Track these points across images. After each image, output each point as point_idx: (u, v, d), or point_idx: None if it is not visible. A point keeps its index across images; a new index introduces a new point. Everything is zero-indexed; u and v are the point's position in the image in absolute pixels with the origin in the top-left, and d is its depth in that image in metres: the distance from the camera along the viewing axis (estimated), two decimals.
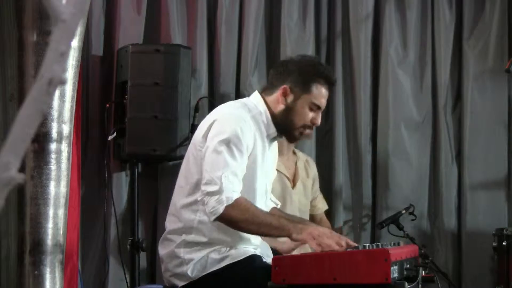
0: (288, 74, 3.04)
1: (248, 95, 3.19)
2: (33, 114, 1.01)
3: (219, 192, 2.77)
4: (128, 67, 4.05)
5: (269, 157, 3.09)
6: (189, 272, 2.90)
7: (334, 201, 4.47)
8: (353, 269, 2.50)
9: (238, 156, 2.85)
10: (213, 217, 2.78)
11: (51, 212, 2.85)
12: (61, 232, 2.88)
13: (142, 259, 4.21)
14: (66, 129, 2.88)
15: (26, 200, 2.84)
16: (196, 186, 2.92)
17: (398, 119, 4.54)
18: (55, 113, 2.84)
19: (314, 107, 3.03)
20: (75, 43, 2.89)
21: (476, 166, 4.51)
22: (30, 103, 1.01)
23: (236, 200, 2.78)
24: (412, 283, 2.63)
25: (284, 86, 3.02)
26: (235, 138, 2.85)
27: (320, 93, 3.04)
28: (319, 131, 4.52)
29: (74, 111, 2.94)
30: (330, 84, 3.08)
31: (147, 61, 4.04)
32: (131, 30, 4.32)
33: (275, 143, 3.17)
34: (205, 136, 2.92)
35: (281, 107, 3.03)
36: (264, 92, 3.09)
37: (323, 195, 4.24)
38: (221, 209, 2.75)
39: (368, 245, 2.73)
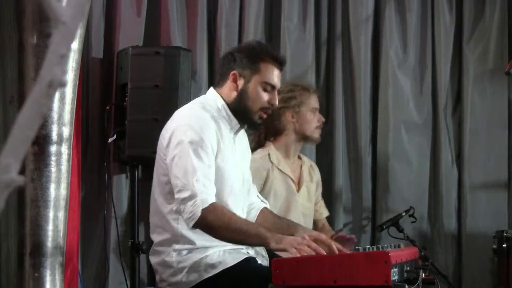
0: (235, 59, 3.00)
1: None
2: (33, 116, 1.01)
3: (193, 196, 2.72)
4: (128, 69, 4.04)
5: (239, 150, 3.06)
6: (184, 280, 2.88)
7: (334, 203, 4.47)
8: (353, 271, 2.50)
9: (205, 157, 2.81)
10: (192, 223, 2.74)
11: (51, 214, 2.84)
12: (61, 235, 2.87)
13: (143, 261, 4.21)
14: (66, 131, 2.87)
15: (26, 202, 2.83)
16: (171, 196, 2.89)
17: (398, 121, 4.53)
18: (55, 115, 2.83)
19: (268, 87, 2.98)
20: (75, 45, 2.88)
21: (476, 168, 4.51)
22: (30, 105, 1.01)
23: (212, 204, 2.74)
24: (412, 285, 2.63)
25: (233, 71, 2.98)
26: (198, 140, 2.82)
27: (270, 71, 2.98)
28: None
29: (74, 113, 2.94)
30: (278, 62, 3.02)
31: (147, 63, 4.03)
32: (131, 32, 4.32)
33: (243, 133, 3.13)
34: (168, 144, 2.88)
35: (234, 94, 2.98)
36: (218, 85, 3.06)
37: (322, 198, 4.23)
38: (198, 212, 2.71)
39: (368, 247, 2.73)
